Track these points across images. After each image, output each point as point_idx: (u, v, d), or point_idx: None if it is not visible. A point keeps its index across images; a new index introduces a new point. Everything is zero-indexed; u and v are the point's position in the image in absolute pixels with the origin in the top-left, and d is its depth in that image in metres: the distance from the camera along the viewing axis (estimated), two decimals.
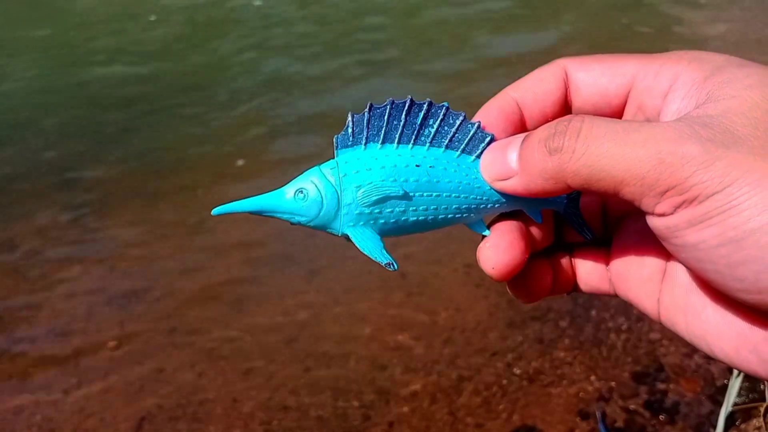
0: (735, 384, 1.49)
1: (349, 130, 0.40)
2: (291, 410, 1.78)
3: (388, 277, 2.14)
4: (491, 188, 0.41)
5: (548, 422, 1.69)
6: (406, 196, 0.40)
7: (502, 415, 1.72)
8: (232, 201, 0.40)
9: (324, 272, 2.26)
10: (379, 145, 0.40)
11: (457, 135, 0.41)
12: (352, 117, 0.40)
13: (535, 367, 1.85)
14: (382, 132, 0.40)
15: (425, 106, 0.40)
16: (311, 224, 0.40)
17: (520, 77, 0.44)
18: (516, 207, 0.43)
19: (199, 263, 2.36)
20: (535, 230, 0.43)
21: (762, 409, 1.59)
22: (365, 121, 0.40)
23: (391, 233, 0.41)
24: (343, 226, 0.40)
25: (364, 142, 0.40)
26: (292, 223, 0.41)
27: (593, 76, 0.42)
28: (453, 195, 0.41)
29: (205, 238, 2.49)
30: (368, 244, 0.40)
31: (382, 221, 0.40)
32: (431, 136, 0.41)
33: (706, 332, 0.38)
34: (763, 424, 1.56)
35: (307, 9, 4.97)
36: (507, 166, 0.39)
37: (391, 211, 0.40)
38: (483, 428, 1.69)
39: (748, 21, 4.17)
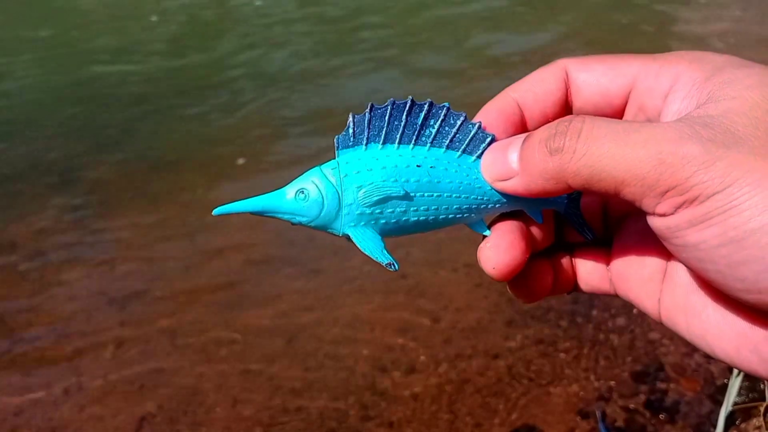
0: (735, 383, 1.49)
1: (350, 130, 0.40)
2: (291, 411, 1.78)
3: (389, 277, 2.14)
4: (492, 188, 0.41)
5: (548, 422, 1.69)
6: (407, 197, 0.40)
7: (502, 414, 1.72)
8: (232, 201, 0.40)
9: (324, 273, 2.26)
10: (380, 146, 0.40)
11: (457, 135, 0.41)
12: (353, 117, 0.40)
13: (536, 367, 1.85)
14: (383, 132, 0.40)
15: (426, 106, 0.40)
16: (312, 224, 0.40)
17: (519, 75, 0.44)
18: (517, 207, 0.43)
19: (200, 263, 2.36)
20: (535, 230, 0.44)
21: (762, 409, 1.59)
22: (366, 122, 0.40)
23: (392, 233, 0.41)
24: (344, 226, 0.40)
25: (365, 142, 0.40)
26: (293, 224, 0.41)
27: (594, 77, 0.42)
28: (454, 195, 0.41)
29: (206, 238, 2.49)
30: (369, 244, 0.40)
31: (383, 221, 0.40)
32: (432, 136, 0.41)
33: (707, 332, 0.38)
34: (763, 423, 1.56)
35: (307, 8, 4.97)
36: (508, 166, 0.39)
37: (392, 212, 0.40)
38: (483, 428, 1.69)
39: (749, 20, 4.17)
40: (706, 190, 0.31)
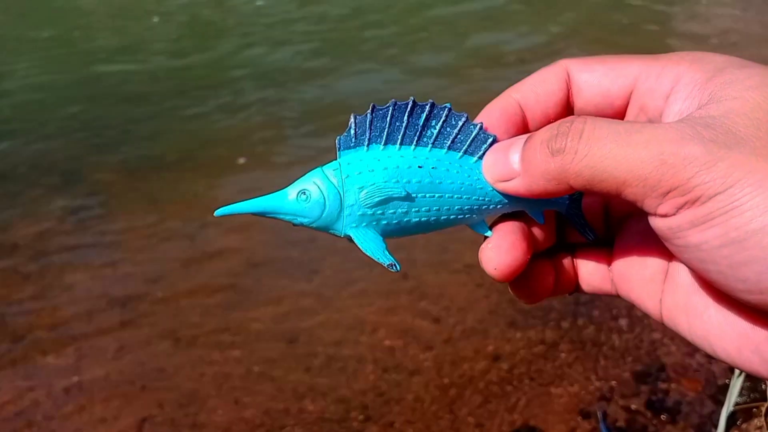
0: (736, 383, 1.49)
1: (352, 131, 0.40)
2: (292, 412, 1.78)
3: (390, 278, 2.14)
4: (493, 189, 0.41)
5: (549, 422, 1.69)
6: (408, 198, 0.40)
7: (503, 415, 1.72)
8: (234, 202, 0.40)
9: (325, 274, 2.26)
10: (381, 147, 0.40)
11: (459, 136, 0.41)
12: (355, 118, 0.40)
13: (537, 368, 1.85)
14: (385, 133, 0.40)
15: (427, 107, 0.40)
16: (314, 225, 0.40)
17: (519, 74, 0.44)
18: (518, 208, 0.43)
19: (201, 264, 2.36)
20: (537, 231, 0.43)
21: (763, 409, 1.59)
22: (368, 123, 0.40)
23: (393, 234, 0.41)
24: (346, 227, 0.40)
25: (366, 143, 0.40)
26: (294, 225, 0.41)
27: (595, 77, 0.42)
28: (455, 196, 0.41)
29: (207, 239, 2.49)
30: (371, 245, 0.40)
31: (385, 222, 0.40)
32: (434, 137, 0.41)
33: (709, 332, 0.38)
34: (764, 423, 1.56)
35: (308, 8, 4.97)
36: (509, 167, 0.39)
37: (394, 213, 0.40)
38: (484, 428, 1.69)
39: (748, 18, 4.17)
40: (708, 190, 0.31)
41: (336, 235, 0.41)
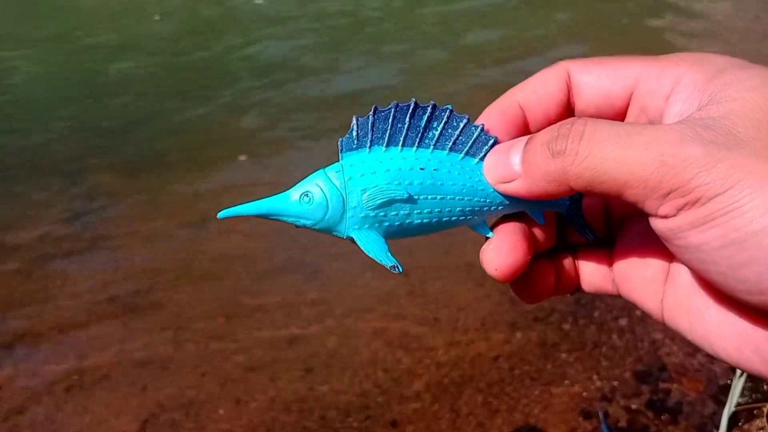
0: (738, 384, 1.49)
1: (354, 133, 0.40)
2: (293, 411, 1.78)
3: (390, 277, 2.14)
4: (494, 190, 0.41)
5: (550, 422, 1.69)
6: (410, 199, 0.40)
7: (504, 414, 1.72)
8: (237, 204, 0.40)
9: (326, 273, 2.27)
10: (383, 148, 0.40)
11: (460, 138, 0.41)
12: (357, 120, 0.40)
13: (538, 367, 1.85)
14: (387, 135, 0.40)
15: (429, 108, 0.41)
16: (316, 227, 0.41)
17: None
18: (519, 209, 0.43)
19: (203, 264, 2.36)
20: (538, 232, 0.44)
21: (765, 410, 1.59)
22: (370, 124, 0.40)
23: (395, 236, 0.41)
24: (348, 229, 0.40)
25: (368, 145, 0.40)
26: (297, 226, 0.41)
27: (596, 79, 0.42)
28: (457, 197, 0.41)
29: (208, 238, 2.49)
30: (373, 247, 0.40)
31: (387, 224, 0.40)
32: (435, 138, 0.41)
33: (709, 333, 0.38)
34: (766, 424, 1.56)
35: (308, 6, 4.98)
36: (510, 168, 0.39)
37: (396, 214, 0.40)
38: (484, 427, 1.69)
39: (748, 15, 4.16)
40: (708, 192, 0.31)
41: (339, 237, 0.41)
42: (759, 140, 0.32)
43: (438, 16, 4.67)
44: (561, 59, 0.45)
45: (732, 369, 1.71)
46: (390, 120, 0.40)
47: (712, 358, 1.77)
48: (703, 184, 0.32)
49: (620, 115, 0.43)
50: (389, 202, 0.40)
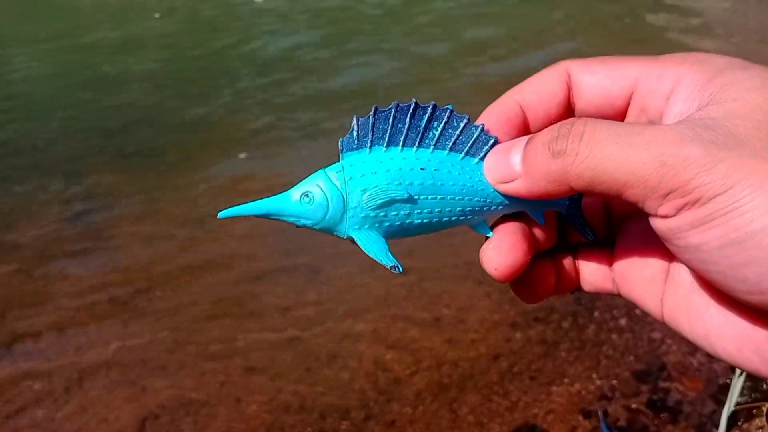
0: (737, 383, 1.49)
1: (354, 133, 0.40)
2: (293, 409, 1.78)
3: (390, 277, 2.14)
4: (494, 190, 0.41)
5: (550, 421, 1.70)
6: (410, 200, 0.40)
7: (504, 413, 1.72)
8: (237, 205, 0.40)
9: (325, 271, 2.27)
10: (383, 149, 0.40)
11: (461, 138, 0.41)
12: (357, 120, 0.40)
13: (537, 366, 1.85)
14: (387, 135, 0.40)
15: (429, 109, 0.41)
16: (317, 227, 0.41)
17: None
18: (519, 209, 0.43)
19: (202, 261, 2.37)
20: (538, 231, 0.44)
21: (765, 409, 1.59)
22: (370, 125, 0.40)
23: (395, 236, 0.41)
24: (349, 229, 0.40)
25: (369, 145, 0.40)
26: (297, 226, 0.41)
27: (596, 79, 0.42)
28: (457, 197, 0.41)
29: (208, 237, 2.49)
30: (373, 247, 0.40)
31: (387, 224, 0.40)
32: (435, 138, 0.41)
33: (709, 332, 0.38)
34: (765, 423, 1.56)
35: (308, 5, 4.98)
36: (510, 168, 0.39)
37: (396, 215, 0.40)
38: (484, 427, 1.69)
39: (747, 13, 4.17)
40: (708, 192, 0.32)
41: (339, 237, 0.41)
42: (759, 140, 0.32)
43: (438, 12, 4.68)
44: (560, 56, 0.45)
45: (731, 368, 1.71)
46: (390, 120, 0.40)
47: (711, 358, 1.77)
48: (703, 184, 0.32)
49: (620, 115, 0.43)
50: (389, 202, 0.40)
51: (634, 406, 1.72)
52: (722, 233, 0.32)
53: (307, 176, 0.41)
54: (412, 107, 0.40)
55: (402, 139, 0.40)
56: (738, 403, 1.56)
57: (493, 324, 1.99)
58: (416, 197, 0.40)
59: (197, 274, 2.31)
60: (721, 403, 1.65)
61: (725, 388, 1.69)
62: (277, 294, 2.19)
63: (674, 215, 0.33)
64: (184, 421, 1.77)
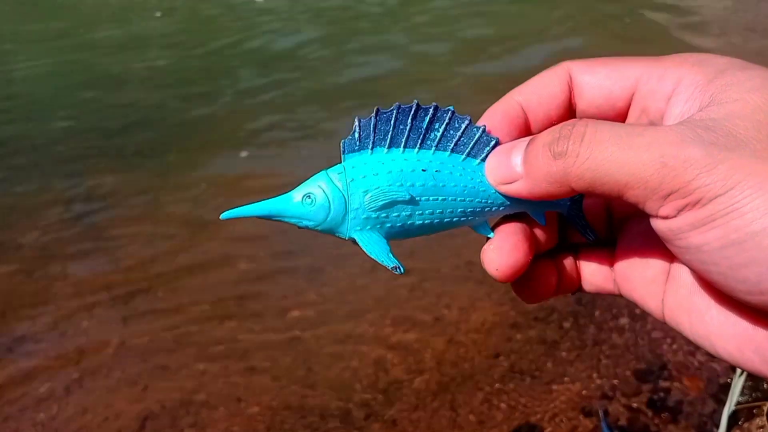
0: (738, 383, 1.49)
1: (356, 134, 0.40)
2: (294, 409, 1.78)
3: (391, 277, 2.14)
4: (496, 191, 0.42)
5: (551, 420, 1.70)
6: (412, 201, 0.40)
7: (505, 412, 1.73)
8: (239, 206, 0.40)
9: (326, 271, 2.27)
10: (385, 150, 0.40)
11: (462, 139, 0.41)
12: (359, 121, 0.40)
13: (538, 365, 1.85)
14: (389, 136, 0.40)
15: (431, 110, 0.41)
16: (319, 228, 0.41)
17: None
18: (520, 209, 0.43)
19: (203, 261, 2.37)
20: (539, 232, 0.44)
21: (765, 408, 1.59)
22: (372, 126, 0.40)
23: (397, 237, 0.42)
24: (350, 230, 0.41)
25: (370, 146, 0.40)
26: (299, 227, 0.41)
27: (597, 79, 0.42)
28: (458, 199, 0.41)
29: (209, 236, 2.49)
30: (375, 248, 0.40)
31: (389, 225, 0.41)
32: (437, 140, 0.41)
33: (710, 332, 0.38)
34: (766, 423, 1.56)
35: (308, 5, 4.98)
36: (512, 169, 0.40)
37: (398, 216, 0.40)
38: (485, 425, 1.70)
39: (748, 13, 4.17)
40: (709, 193, 0.32)
41: (340, 238, 0.41)
42: (759, 141, 0.32)
43: (438, 9, 4.68)
44: (560, 54, 0.45)
45: (732, 368, 1.71)
46: (392, 121, 0.40)
47: (711, 357, 1.77)
48: (703, 185, 0.32)
49: (621, 116, 0.43)
50: (391, 204, 0.40)
51: (634, 405, 1.72)
52: (723, 234, 0.32)
53: (308, 177, 0.41)
54: (413, 108, 0.40)
55: (404, 140, 0.40)
56: (739, 403, 1.56)
57: (493, 324, 1.99)
58: (418, 198, 0.40)
59: (198, 274, 2.31)
60: (721, 403, 1.65)
61: (726, 388, 1.69)
62: (278, 294, 2.19)
63: (675, 216, 0.33)
64: (185, 420, 1.77)
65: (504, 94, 0.44)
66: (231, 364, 1.93)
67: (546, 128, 0.39)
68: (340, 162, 0.40)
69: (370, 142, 0.40)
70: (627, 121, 0.43)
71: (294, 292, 2.19)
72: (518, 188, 0.39)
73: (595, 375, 1.81)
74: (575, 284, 0.47)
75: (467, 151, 0.42)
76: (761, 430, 1.56)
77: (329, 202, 0.40)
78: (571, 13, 4.38)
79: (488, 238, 0.43)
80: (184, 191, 2.79)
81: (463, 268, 2.19)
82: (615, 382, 1.79)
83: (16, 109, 3.73)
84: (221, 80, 3.88)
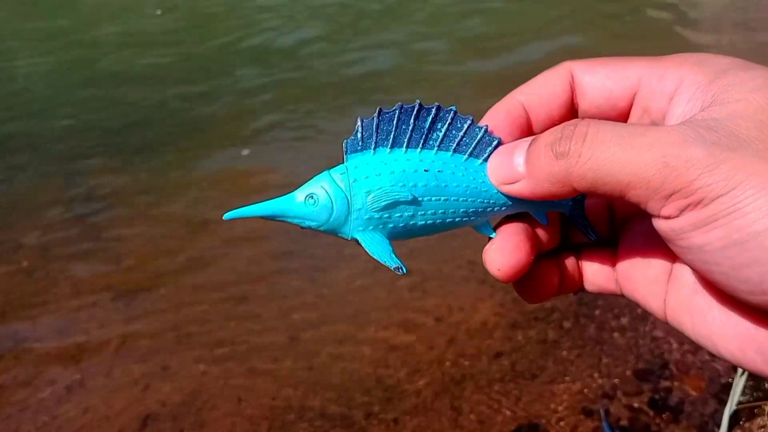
0: (739, 382, 1.49)
1: (359, 134, 0.40)
2: (295, 408, 1.78)
3: (392, 276, 2.14)
4: (498, 191, 0.42)
5: (552, 419, 1.70)
6: (414, 201, 0.40)
7: (506, 411, 1.72)
8: (242, 206, 0.40)
9: (327, 270, 2.27)
10: (388, 150, 0.40)
11: (464, 139, 0.41)
12: (362, 121, 0.40)
13: (539, 365, 1.85)
14: (391, 136, 0.40)
15: (433, 110, 0.41)
16: (321, 229, 0.41)
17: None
18: (522, 209, 0.43)
19: (205, 261, 2.37)
20: (541, 232, 0.44)
21: (766, 408, 1.59)
22: (374, 126, 0.40)
23: (400, 237, 0.42)
24: (353, 230, 0.41)
25: (373, 146, 0.40)
26: (302, 228, 0.41)
27: (599, 79, 0.42)
28: (461, 199, 0.41)
29: (210, 235, 2.49)
30: (378, 248, 0.40)
31: (392, 226, 0.41)
32: (439, 140, 0.41)
33: (712, 332, 0.38)
34: (767, 422, 1.56)
35: (308, 2, 4.99)
36: (514, 169, 0.40)
37: (400, 216, 0.40)
38: (485, 425, 1.70)
39: (748, 11, 4.17)
40: (711, 193, 0.32)
41: (343, 238, 0.41)
42: (762, 141, 0.32)
43: (438, 7, 4.69)
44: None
45: (733, 367, 1.71)
46: (394, 121, 0.40)
47: (713, 357, 1.77)
48: (705, 185, 0.32)
49: (623, 116, 0.43)
50: (394, 204, 0.40)
51: (635, 405, 1.72)
52: (725, 234, 0.32)
53: (310, 175, 0.41)
54: (416, 108, 0.40)
55: (406, 140, 0.40)
56: (740, 402, 1.56)
57: (494, 324, 1.99)
58: (420, 199, 0.40)
59: (199, 274, 2.31)
60: (722, 403, 1.65)
61: (727, 388, 1.69)
62: (279, 295, 2.19)
63: (677, 216, 0.33)
64: (186, 420, 1.77)
65: (503, 91, 0.44)
66: (232, 364, 1.93)
67: (548, 128, 0.39)
68: (343, 162, 0.40)
69: (373, 142, 0.40)
70: (629, 121, 0.43)
71: (295, 293, 2.19)
72: (520, 188, 0.39)
73: (596, 374, 1.81)
74: (577, 284, 0.47)
75: (469, 151, 0.42)
76: (762, 429, 1.56)
77: (332, 202, 0.40)
78: (571, 11, 4.38)
79: (490, 238, 0.43)
80: (184, 190, 2.79)
81: (465, 269, 2.19)
82: (616, 381, 1.79)
83: (17, 108, 3.74)
84: (222, 78, 3.88)
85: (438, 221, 0.41)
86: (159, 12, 4.96)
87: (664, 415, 1.68)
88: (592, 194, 0.37)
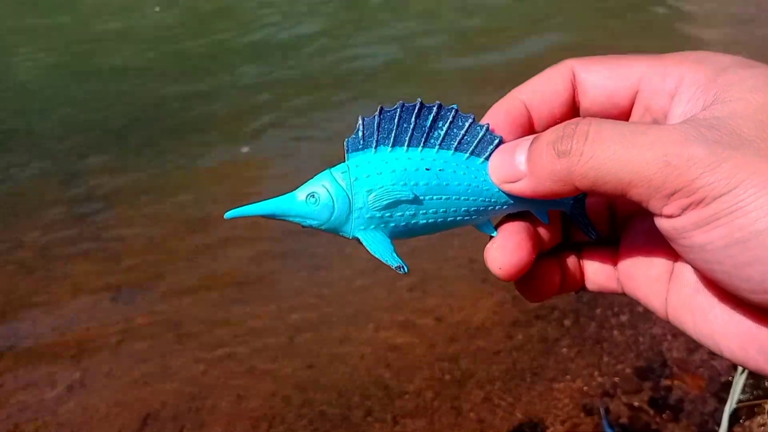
0: (739, 381, 1.49)
1: (360, 133, 0.40)
2: (295, 407, 1.79)
3: (392, 275, 2.14)
4: (499, 190, 0.42)
5: (552, 418, 1.70)
6: (416, 200, 0.40)
7: (506, 410, 1.73)
8: (243, 205, 0.40)
9: (328, 269, 2.27)
10: (389, 149, 0.40)
11: (466, 137, 0.41)
12: (363, 120, 0.40)
13: (539, 363, 1.85)
14: (393, 135, 0.40)
15: (435, 108, 0.41)
16: (323, 228, 0.41)
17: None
18: (523, 208, 0.43)
19: (204, 260, 2.37)
20: (542, 231, 0.44)
21: (767, 407, 1.60)
22: (375, 125, 0.40)
23: (401, 236, 0.42)
24: (354, 229, 0.41)
25: (374, 145, 0.40)
26: (303, 227, 0.41)
27: (600, 78, 0.42)
28: (462, 198, 0.41)
29: (210, 234, 2.49)
30: (379, 247, 0.40)
31: (393, 225, 0.41)
32: (440, 138, 0.41)
33: (714, 331, 0.38)
34: (767, 421, 1.56)
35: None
36: (515, 168, 0.40)
37: (402, 215, 0.40)
38: (485, 423, 1.70)
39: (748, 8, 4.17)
40: (712, 191, 0.32)
41: (344, 237, 0.41)
42: (763, 140, 0.32)
43: (437, 5, 4.69)
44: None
45: (733, 366, 1.71)
46: (396, 120, 0.40)
47: (713, 355, 1.77)
48: (707, 184, 0.32)
49: (625, 115, 0.43)
50: (395, 203, 0.40)
51: (635, 403, 1.72)
52: (726, 233, 0.32)
53: (312, 174, 0.41)
54: (417, 107, 0.40)
55: (407, 139, 0.40)
56: (740, 401, 1.56)
57: (495, 322, 1.99)
58: (421, 197, 0.40)
59: (199, 271, 2.31)
60: (722, 401, 1.65)
61: (727, 386, 1.69)
62: (278, 291, 2.20)
63: (679, 215, 0.33)
64: (186, 418, 1.77)
65: (502, 87, 0.44)
66: (232, 364, 1.93)
67: (549, 127, 0.39)
68: (344, 160, 0.40)
69: (374, 141, 0.40)
70: (630, 119, 0.43)
71: (295, 290, 2.19)
72: (522, 187, 0.39)
73: (596, 373, 1.81)
74: (578, 283, 0.47)
75: (471, 149, 0.42)
76: (762, 428, 1.56)
77: (333, 201, 0.40)
78: (570, 6, 4.38)
79: (491, 237, 0.43)
80: (184, 189, 2.79)
81: (465, 267, 2.19)
82: (616, 379, 1.79)
83: (18, 106, 3.73)
84: (221, 75, 3.88)
85: (439, 220, 0.41)
86: (157, 9, 4.96)
87: (664, 414, 1.68)
88: (593, 193, 0.37)
